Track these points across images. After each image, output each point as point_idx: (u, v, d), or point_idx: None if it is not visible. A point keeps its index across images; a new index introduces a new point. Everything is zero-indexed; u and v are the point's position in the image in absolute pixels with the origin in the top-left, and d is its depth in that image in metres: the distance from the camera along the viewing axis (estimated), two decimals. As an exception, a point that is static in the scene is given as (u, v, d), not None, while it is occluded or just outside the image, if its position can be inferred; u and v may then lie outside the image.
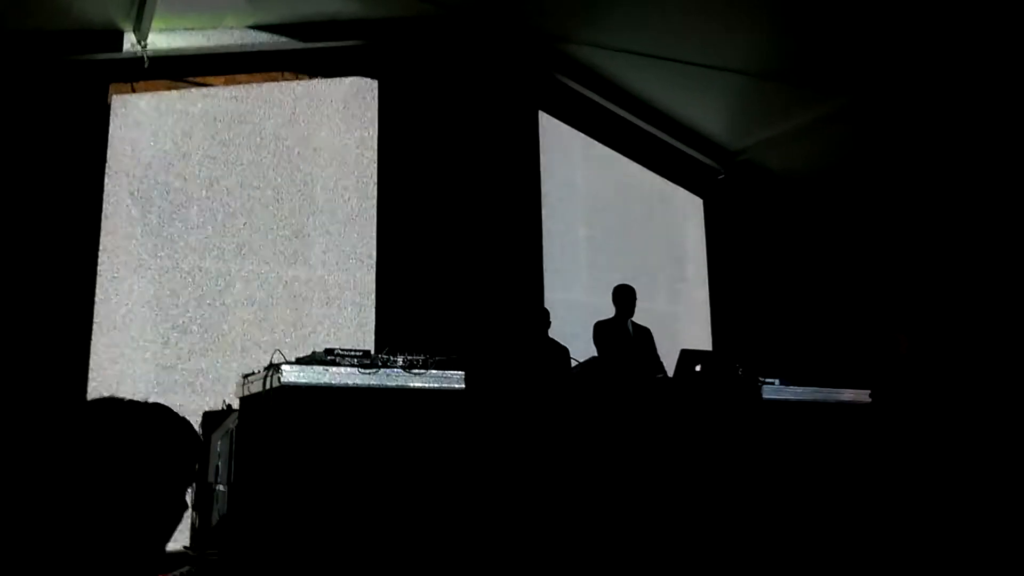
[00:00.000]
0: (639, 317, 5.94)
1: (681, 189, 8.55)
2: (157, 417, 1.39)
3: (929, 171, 7.24)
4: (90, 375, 5.56)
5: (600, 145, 8.09)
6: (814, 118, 7.21)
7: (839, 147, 7.53)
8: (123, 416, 1.37)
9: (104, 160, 5.91)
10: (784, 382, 5.69)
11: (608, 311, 5.95)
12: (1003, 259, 7.13)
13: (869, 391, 5.93)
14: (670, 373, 5.60)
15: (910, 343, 6.22)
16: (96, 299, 5.71)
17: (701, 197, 8.64)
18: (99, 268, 5.76)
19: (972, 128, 6.62)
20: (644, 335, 5.87)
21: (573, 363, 5.32)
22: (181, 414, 1.41)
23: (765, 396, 5.49)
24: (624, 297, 5.84)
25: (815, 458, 5.42)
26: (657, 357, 5.83)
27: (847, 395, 5.92)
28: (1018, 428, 5.79)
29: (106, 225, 5.85)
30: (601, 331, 5.78)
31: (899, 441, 5.63)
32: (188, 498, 1.41)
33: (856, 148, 7.45)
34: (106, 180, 5.90)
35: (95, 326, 5.66)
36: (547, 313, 5.60)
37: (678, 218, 8.56)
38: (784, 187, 8.53)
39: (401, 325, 6.47)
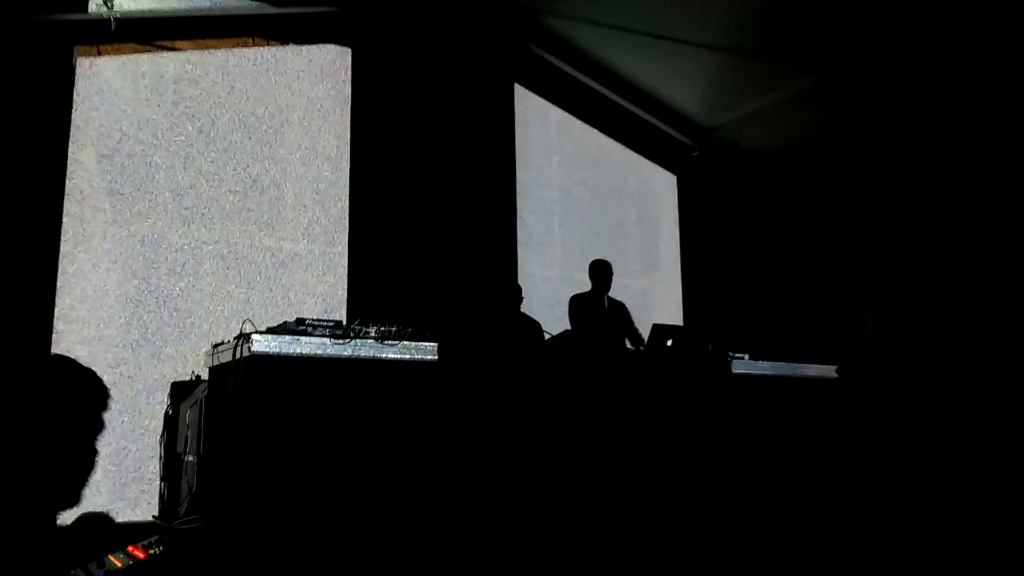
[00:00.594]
0: (613, 292, 5.96)
1: (656, 165, 8.56)
2: (58, 368, 1.55)
3: (902, 150, 7.32)
4: (54, 343, 5.46)
5: (575, 119, 8.07)
6: (788, 96, 7.25)
7: (812, 125, 7.59)
8: (26, 369, 1.53)
9: (68, 124, 5.75)
10: (753, 357, 5.77)
11: (583, 285, 5.96)
12: (973, 240, 7.25)
13: (836, 367, 6.03)
14: None
15: (877, 321, 6.32)
16: (60, 266, 5.58)
17: (675, 173, 8.66)
18: (63, 235, 5.63)
19: (946, 108, 6.69)
20: (619, 310, 5.90)
21: (546, 336, 5.32)
22: (87, 366, 1.58)
23: (735, 371, 5.56)
24: (600, 272, 5.85)
25: (783, 432, 5.51)
26: (636, 330, 5.85)
27: (814, 370, 6.02)
28: (984, 406, 5.93)
29: (70, 191, 5.70)
30: (576, 305, 5.80)
31: (865, 417, 5.74)
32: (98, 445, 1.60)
33: (829, 127, 7.51)
34: (70, 144, 5.75)
35: (59, 294, 5.55)
36: (519, 289, 5.59)
37: (652, 194, 8.58)
38: (757, 164, 8.58)
39: (374, 296, 6.42)
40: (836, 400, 5.86)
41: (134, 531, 4.72)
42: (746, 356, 5.74)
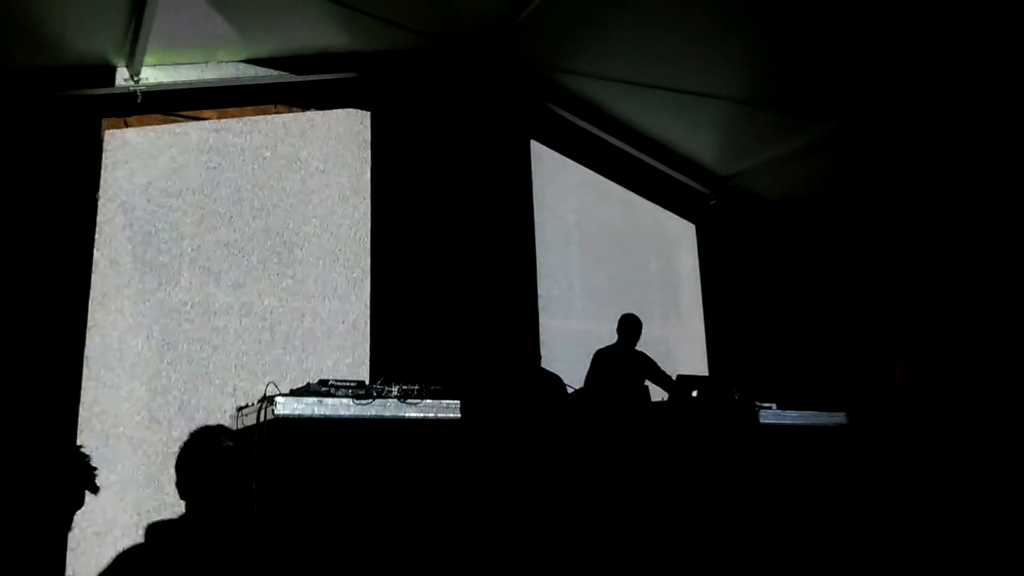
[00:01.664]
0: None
1: (674, 215, 8.59)
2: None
3: (920, 193, 7.29)
4: (81, 408, 5.50)
5: (592, 173, 8.14)
6: (803, 143, 7.28)
7: (829, 171, 7.59)
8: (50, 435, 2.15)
9: (97, 194, 5.90)
10: (781, 406, 5.69)
11: (605, 337, 5.95)
12: (997, 281, 7.16)
13: (861, 414, 5.93)
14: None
15: (905, 367, 6.23)
16: (88, 333, 5.66)
17: (693, 223, 8.67)
18: (91, 302, 5.72)
19: (962, 150, 6.68)
20: (642, 362, 5.84)
21: (569, 390, 5.29)
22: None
23: (763, 421, 5.48)
24: (625, 326, 5.84)
25: (813, 481, 5.39)
26: (664, 375, 5.76)
27: (843, 418, 5.91)
28: (1012, 449, 5.79)
29: (98, 259, 5.82)
30: (597, 359, 5.77)
31: (895, 463, 5.62)
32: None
33: (846, 172, 7.51)
34: (99, 214, 5.89)
35: (87, 360, 5.61)
36: (538, 353, 5.58)
37: (671, 244, 8.59)
38: (775, 211, 8.58)
39: (396, 355, 6.43)
40: (865, 447, 5.75)
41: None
42: (774, 406, 5.67)
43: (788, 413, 5.73)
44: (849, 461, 5.66)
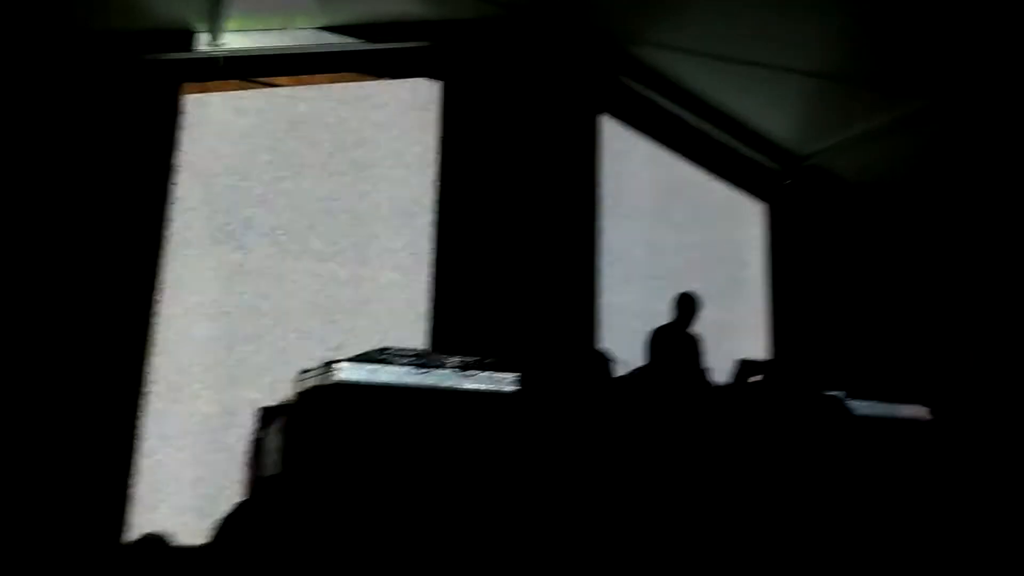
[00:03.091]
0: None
1: (742, 193, 8.33)
2: None
3: (1009, 178, 6.91)
4: (152, 370, 5.73)
5: (662, 148, 7.96)
6: (888, 122, 6.98)
7: (914, 152, 7.27)
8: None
9: (174, 157, 6.07)
10: (849, 396, 5.49)
11: (663, 315, 5.84)
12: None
13: (930, 407, 5.67)
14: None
15: (983, 356, 5.95)
16: (162, 294, 5.87)
17: (766, 201, 8.41)
18: (165, 263, 5.92)
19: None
20: (693, 345, 5.70)
21: (624, 369, 5.21)
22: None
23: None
24: (682, 306, 5.71)
25: (880, 473, 5.21)
26: (702, 368, 5.63)
27: (913, 411, 5.68)
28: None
29: (174, 222, 6.01)
30: (654, 338, 5.67)
31: (967, 454, 5.38)
32: None
33: (932, 153, 7.18)
34: (176, 177, 6.06)
35: (160, 322, 5.83)
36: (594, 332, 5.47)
37: (738, 223, 8.34)
38: (854, 193, 8.26)
39: (456, 326, 6.47)
40: (945, 442, 5.51)
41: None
42: (842, 395, 5.48)
43: (858, 403, 5.52)
44: (927, 457, 5.42)
